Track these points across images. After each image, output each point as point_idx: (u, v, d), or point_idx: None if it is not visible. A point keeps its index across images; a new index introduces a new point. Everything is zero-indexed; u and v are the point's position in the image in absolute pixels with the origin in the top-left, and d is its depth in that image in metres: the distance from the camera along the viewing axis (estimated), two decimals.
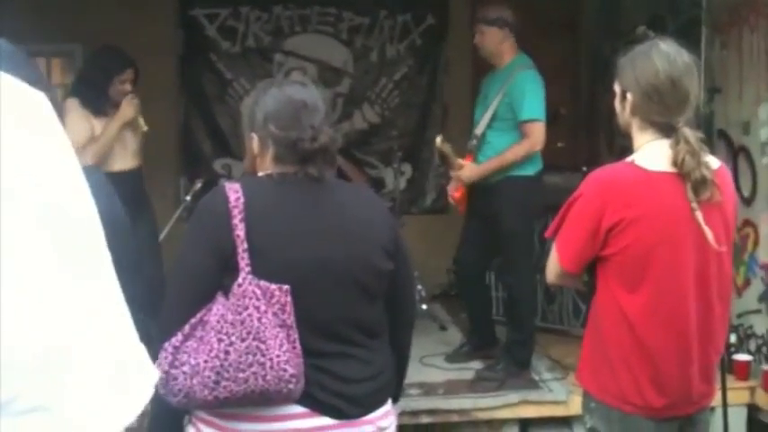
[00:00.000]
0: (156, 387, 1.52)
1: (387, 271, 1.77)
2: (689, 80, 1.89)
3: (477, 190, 3.82)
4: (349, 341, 1.72)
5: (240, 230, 1.58)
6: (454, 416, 3.60)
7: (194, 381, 1.53)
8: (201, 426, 1.67)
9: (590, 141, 5.98)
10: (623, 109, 1.97)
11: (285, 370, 1.52)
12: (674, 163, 1.83)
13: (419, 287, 5.06)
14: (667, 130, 1.87)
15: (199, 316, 1.57)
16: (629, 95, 1.94)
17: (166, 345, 1.56)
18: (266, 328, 1.53)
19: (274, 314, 1.55)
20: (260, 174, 1.77)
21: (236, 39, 5.79)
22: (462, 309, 5.43)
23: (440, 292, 5.78)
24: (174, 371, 1.55)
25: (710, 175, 1.84)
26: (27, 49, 1.64)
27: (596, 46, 5.82)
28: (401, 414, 3.61)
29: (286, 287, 1.57)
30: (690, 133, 1.84)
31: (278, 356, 1.52)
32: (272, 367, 1.52)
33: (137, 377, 0.60)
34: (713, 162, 1.92)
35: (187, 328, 1.56)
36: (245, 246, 1.57)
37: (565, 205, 1.98)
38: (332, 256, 1.67)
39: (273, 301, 1.55)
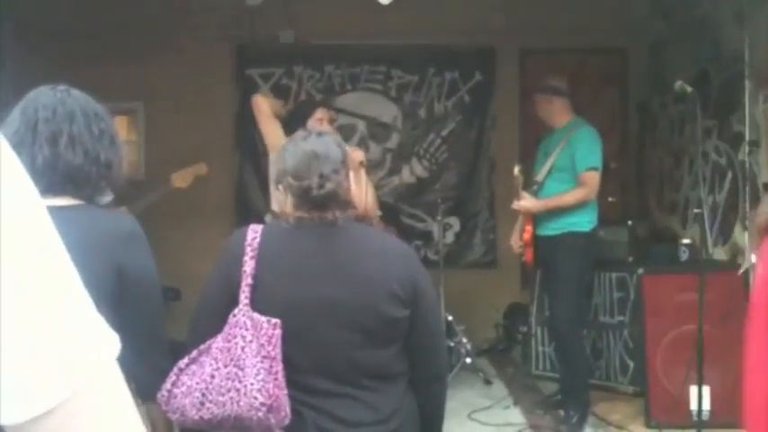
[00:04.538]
0: (161, 404, 1.62)
1: (398, 318, 1.74)
2: None
3: (540, 242, 4.16)
4: (353, 383, 1.72)
5: (248, 267, 1.67)
6: None
7: (186, 400, 1.62)
8: None
9: (639, 195, 5.93)
10: None
11: (256, 398, 1.57)
12: None
13: (464, 340, 5.04)
14: None
15: (208, 343, 1.66)
16: None
17: (174, 367, 1.65)
18: (247, 356, 1.60)
19: (261, 345, 1.61)
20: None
21: (290, 97, 6.00)
22: (508, 365, 5.42)
23: (487, 346, 5.74)
24: (175, 390, 1.64)
25: None
26: None
27: (644, 101, 5.82)
28: None
29: (275, 321, 1.63)
30: None
31: (252, 384, 1.58)
32: (245, 394, 1.58)
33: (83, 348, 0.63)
34: None
35: (195, 353, 1.66)
36: (249, 281, 1.67)
37: None
38: (335, 298, 1.70)
39: (262, 333, 1.62)
